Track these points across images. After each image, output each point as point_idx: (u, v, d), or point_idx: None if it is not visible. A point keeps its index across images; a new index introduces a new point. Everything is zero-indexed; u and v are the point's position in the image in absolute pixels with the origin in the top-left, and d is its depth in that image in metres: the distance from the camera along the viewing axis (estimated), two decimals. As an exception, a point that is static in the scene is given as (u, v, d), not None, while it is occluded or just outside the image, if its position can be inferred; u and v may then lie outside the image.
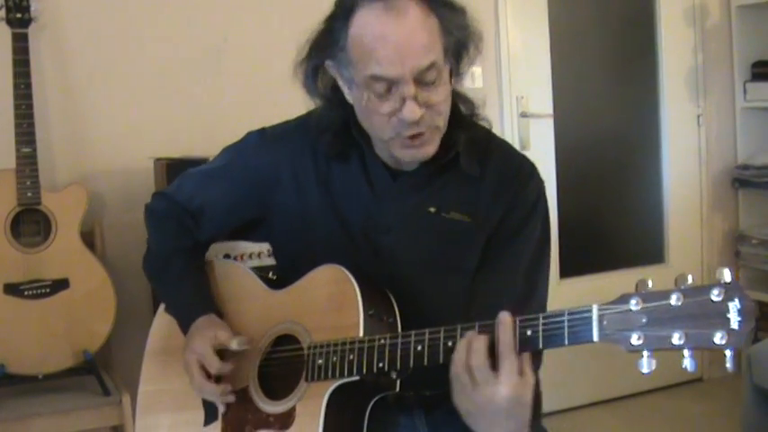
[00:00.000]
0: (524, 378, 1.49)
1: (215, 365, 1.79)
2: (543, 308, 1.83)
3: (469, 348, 1.49)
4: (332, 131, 1.82)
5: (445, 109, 1.70)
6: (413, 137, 1.68)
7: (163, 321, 2.02)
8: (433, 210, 1.81)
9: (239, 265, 2.05)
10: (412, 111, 1.63)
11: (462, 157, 1.80)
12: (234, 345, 1.80)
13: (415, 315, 1.71)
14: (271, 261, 2.24)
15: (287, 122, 1.97)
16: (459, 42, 1.70)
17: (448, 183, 1.82)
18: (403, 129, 1.67)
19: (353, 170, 1.85)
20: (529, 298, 1.81)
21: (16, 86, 2.99)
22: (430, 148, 1.72)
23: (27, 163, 2.97)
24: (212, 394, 1.81)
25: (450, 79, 1.72)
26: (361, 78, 1.66)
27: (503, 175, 1.83)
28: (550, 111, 4.25)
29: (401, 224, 1.82)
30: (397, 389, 1.66)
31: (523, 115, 4.17)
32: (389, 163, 1.83)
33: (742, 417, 3.36)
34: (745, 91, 4.61)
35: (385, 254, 1.82)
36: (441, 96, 1.67)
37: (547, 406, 4.12)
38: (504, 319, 1.49)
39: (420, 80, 1.63)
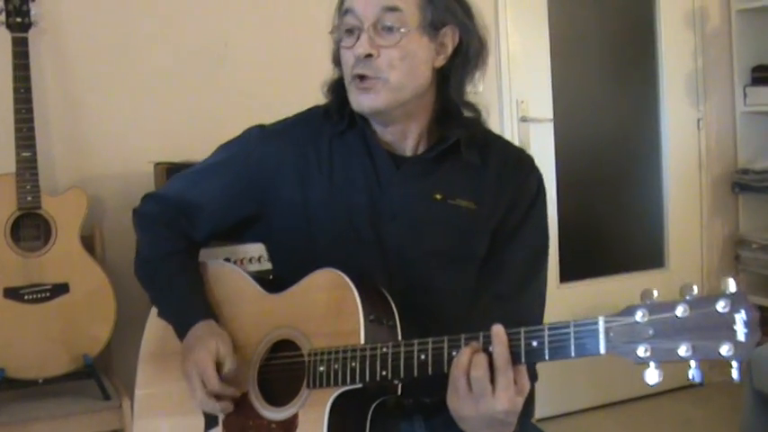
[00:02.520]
0: (519, 388, 1.50)
1: (214, 385, 1.77)
2: (543, 300, 1.87)
3: (473, 357, 1.50)
4: (338, 111, 1.87)
5: (399, 66, 1.75)
6: (361, 78, 1.76)
7: (156, 324, 2.00)
8: (439, 197, 1.83)
9: (234, 267, 2.02)
10: (362, 44, 1.74)
11: (463, 147, 1.83)
12: (225, 368, 1.78)
13: (421, 305, 1.72)
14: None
15: (286, 119, 1.98)
16: (441, 20, 1.78)
17: (451, 170, 1.84)
18: (355, 66, 1.76)
19: (357, 159, 1.86)
20: (530, 286, 1.83)
21: (16, 90, 2.99)
22: (376, 99, 1.77)
23: (27, 167, 2.97)
24: (213, 409, 1.80)
25: (433, 55, 1.80)
26: (340, 17, 1.79)
27: (504, 164, 1.87)
28: (550, 115, 4.25)
29: (406, 211, 1.83)
30: (399, 392, 1.65)
31: (523, 120, 4.17)
32: (392, 150, 1.86)
33: (742, 421, 3.35)
34: (745, 95, 4.61)
35: (390, 242, 1.82)
36: (397, 51, 1.74)
37: (548, 410, 4.15)
38: (498, 331, 1.49)
39: (380, 22, 1.73)
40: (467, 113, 1.87)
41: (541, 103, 4.23)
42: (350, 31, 1.77)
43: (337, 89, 1.88)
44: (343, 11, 1.79)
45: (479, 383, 1.48)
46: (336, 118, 1.88)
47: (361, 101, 1.78)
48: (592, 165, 4.49)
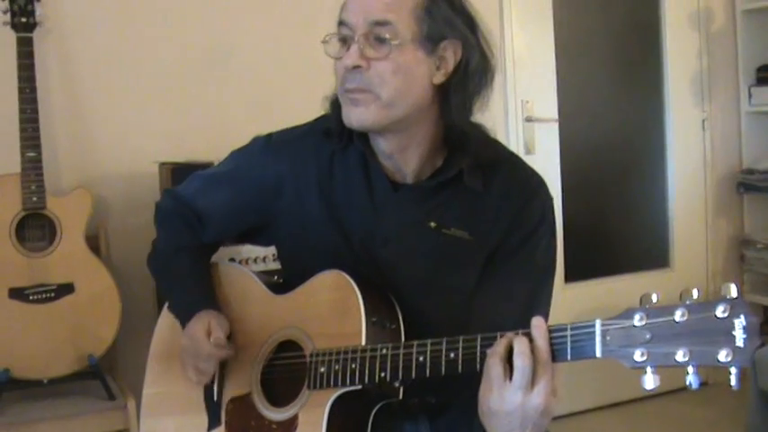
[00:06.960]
0: (554, 388, 1.45)
1: (204, 347, 1.81)
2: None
3: (516, 346, 1.44)
4: (337, 128, 1.81)
5: (391, 80, 1.66)
6: (351, 92, 1.69)
7: (166, 324, 2.02)
8: (433, 225, 1.76)
9: (243, 269, 2.04)
10: (350, 55, 1.67)
11: (466, 174, 1.75)
12: (212, 335, 1.82)
13: (415, 329, 1.69)
14: (276, 265, 2.23)
15: (294, 128, 1.94)
16: (439, 34, 1.68)
17: (450, 198, 1.78)
18: (344, 78, 1.69)
19: (356, 180, 1.82)
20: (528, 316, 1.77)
21: (21, 91, 2.99)
22: (364, 114, 1.69)
23: (32, 167, 2.97)
24: (201, 376, 1.84)
25: (432, 70, 1.71)
26: (336, 29, 1.72)
27: (507, 190, 1.78)
28: (555, 115, 4.24)
29: (400, 237, 1.79)
30: (400, 396, 1.65)
31: (528, 120, 4.16)
32: (392, 175, 1.81)
33: (747, 422, 3.35)
34: (750, 95, 4.60)
35: (384, 267, 1.79)
36: (388, 64, 1.66)
37: (552, 411, 4.13)
38: (540, 323, 1.45)
39: (371, 33, 1.65)
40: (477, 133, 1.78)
41: (546, 103, 4.23)
42: (343, 41, 1.71)
43: (337, 104, 1.80)
44: (338, 22, 1.72)
45: (523, 373, 1.42)
46: (336, 136, 1.82)
47: (349, 114, 1.71)
48: (597, 165, 4.49)
